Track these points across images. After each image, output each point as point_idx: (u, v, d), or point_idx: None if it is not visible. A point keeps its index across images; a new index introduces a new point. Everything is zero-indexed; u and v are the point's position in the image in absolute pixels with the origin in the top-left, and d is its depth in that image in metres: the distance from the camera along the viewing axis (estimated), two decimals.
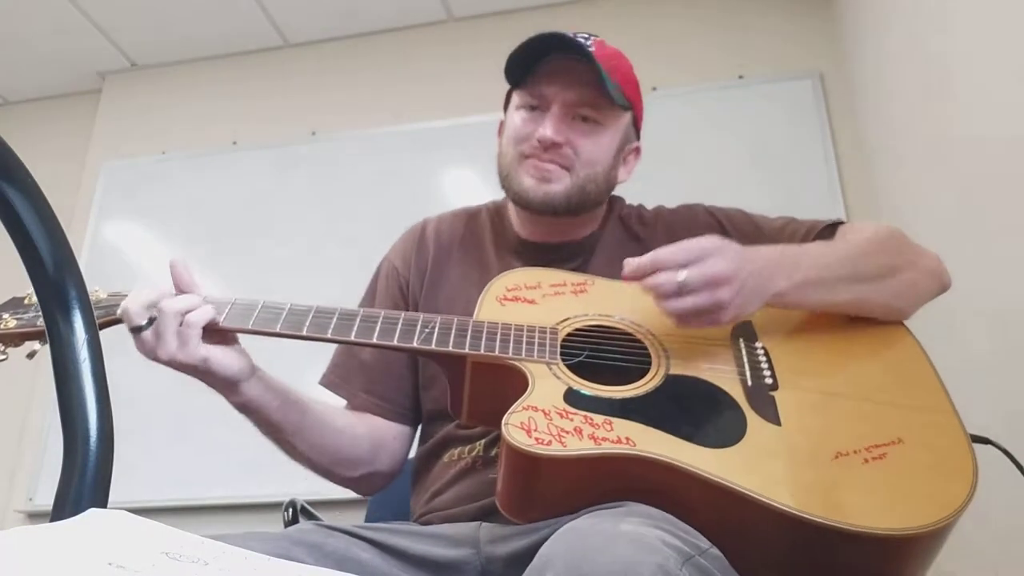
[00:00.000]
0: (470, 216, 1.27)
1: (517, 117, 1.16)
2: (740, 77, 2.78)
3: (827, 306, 1.03)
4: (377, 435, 1.15)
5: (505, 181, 1.16)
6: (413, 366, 1.18)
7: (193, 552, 0.43)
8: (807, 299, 1.00)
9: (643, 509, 0.79)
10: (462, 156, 2.85)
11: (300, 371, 1.12)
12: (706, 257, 0.92)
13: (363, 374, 1.17)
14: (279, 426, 1.04)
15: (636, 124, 1.21)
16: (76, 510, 0.46)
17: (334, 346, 1.21)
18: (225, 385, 0.99)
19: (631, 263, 0.94)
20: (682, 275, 0.91)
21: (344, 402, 1.19)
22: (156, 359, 0.95)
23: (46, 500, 2.64)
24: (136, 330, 0.95)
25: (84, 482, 0.47)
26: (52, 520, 0.46)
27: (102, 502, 0.48)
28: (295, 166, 3.01)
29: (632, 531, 0.70)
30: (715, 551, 0.76)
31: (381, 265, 1.26)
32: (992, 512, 1.21)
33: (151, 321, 0.95)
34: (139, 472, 2.30)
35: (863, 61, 2.52)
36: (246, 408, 1.02)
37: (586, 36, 1.15)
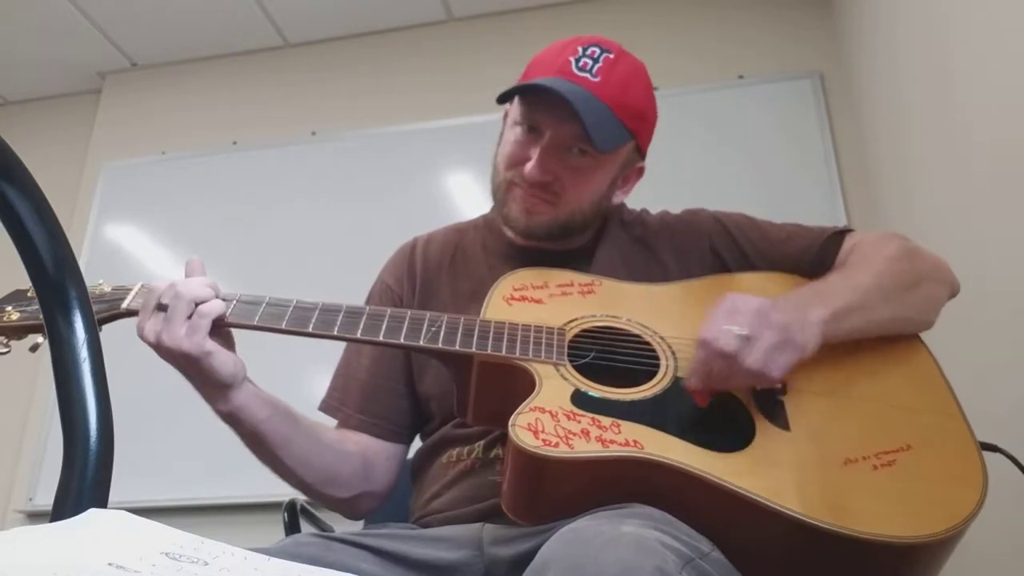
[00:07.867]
0: (460, 233, 1.25)
1: (512, 134, 1.11)
2: (740, 77, 2.78)
3: (869, 327, 1.00)
4: (368, 454, 1.13)
5: (495, 197, 1.15)
6: (409, 379, 1.17)
7: (193, 552, 0.43)
8: (849, 323, 0.98)
9: (645, 511, 0.78)
10: (462, 156, 2.85)
11: (301, 384, 1.12)
12: (738, 309, 0.92)
13: (359, 394, 1.16)
14: (266, 438, 1.01)
15: (642, 145, 1.14)
16: (76, 510, 0.46)
17: (332, 359, 1.21)
18: (215, 388, 0.97)
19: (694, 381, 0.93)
20: (736, 329, 0.89)
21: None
22: (158, 343, 0.94)
23: (46, 500, 2.64)
24: (158, 308, 0.95)
25: (84, 482, 0.47)
26: (52, 520, 0.46)
27: (102, 502, 0.48)
28: (295, 166, 3.01)
29: (632, 533, 0.70)
30: (717, 554, 0.76)
31: (374, 286, 1.25)
32: (1000, 520, 1.20)
33: (164, 306, 0.95)
34: (139, 472, 2.30)
35: (863, 61, 2.52)
36: (233, 417, 1.00)
37: (595, 57, 1.07)
